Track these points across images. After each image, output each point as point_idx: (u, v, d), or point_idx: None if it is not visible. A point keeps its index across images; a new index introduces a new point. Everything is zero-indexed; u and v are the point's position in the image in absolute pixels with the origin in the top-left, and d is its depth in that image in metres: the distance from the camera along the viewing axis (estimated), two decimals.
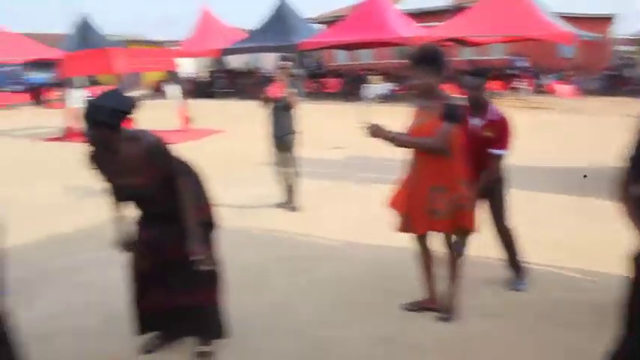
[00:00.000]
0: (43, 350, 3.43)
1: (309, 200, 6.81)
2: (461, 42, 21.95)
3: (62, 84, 16.37)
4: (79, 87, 15.10)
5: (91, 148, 3.01)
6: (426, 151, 3.47)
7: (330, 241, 5.47)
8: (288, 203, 6.69)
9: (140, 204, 3.24)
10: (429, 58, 3.41)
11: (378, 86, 21.16)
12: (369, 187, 7.58)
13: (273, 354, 3.46)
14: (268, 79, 6.56)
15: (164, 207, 3.13)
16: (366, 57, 28.66)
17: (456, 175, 3.51)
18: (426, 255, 3.83)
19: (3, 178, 9.20)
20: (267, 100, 6.36)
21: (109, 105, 2.82)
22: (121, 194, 3.20)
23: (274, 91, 6.30)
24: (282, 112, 6.37)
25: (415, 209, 3.55)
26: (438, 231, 3.64)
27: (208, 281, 3.27)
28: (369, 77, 22.38)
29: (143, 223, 3.29)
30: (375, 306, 4.02)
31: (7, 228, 2.88)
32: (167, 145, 3.07)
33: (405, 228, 3.67)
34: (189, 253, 3.03)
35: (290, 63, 6.47)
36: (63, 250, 5.51)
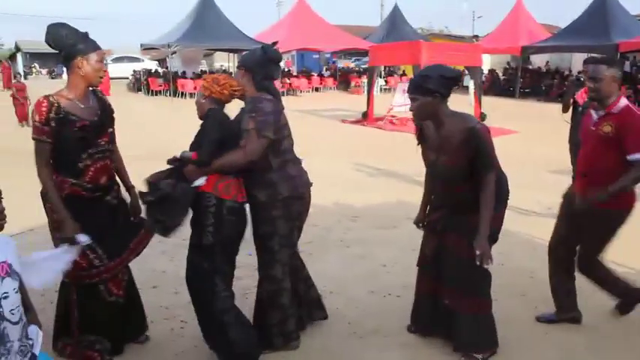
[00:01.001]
0: None
1: None
2: None
3: (367, 72, 17.58)
4: (380, 77, 16.02)
5: (420, 121, 3.10)
6: None
7: (616, 267, 4.68)
8: None
9: (442, 185, 3.18)
10: None
11: None
12: None
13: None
14: (578, 82, 5.94)
15: (461, 195, 3.02)
16: None
17: None
18: None
19: (309, 150, 10.29)
20: (569, 103, 5.86)
21: (435, 73, 2.89)
22: (432, 170, 3.22)
23: (581, 95, 5.70)
24: None
25: None
26: None
27: (479, 290, 3.11)
28: None
29: (437, 205, 3.28)
30: None
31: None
32: (488, 135, 2.96)
33: None
34: (473, 248, 2.89)
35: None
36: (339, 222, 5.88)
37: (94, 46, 2.94)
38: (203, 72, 28.00)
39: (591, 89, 3.31)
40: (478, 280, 3.06)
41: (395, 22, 30.53)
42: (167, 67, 26.18)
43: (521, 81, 25.32)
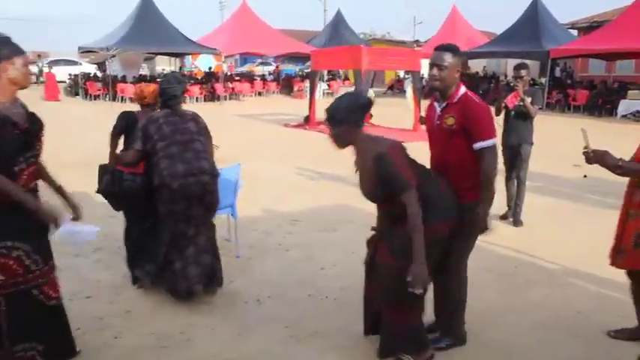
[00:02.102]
0: None
1: (534, 217, 6.25)
2: None
3: (308, 76, 17.68)
4: (322, 81, 16.18)
5: (340, 148, 3.14)
6: None
7: (545, 264, 4.91)
8: (511, 217, 6.26)
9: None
10: None
11: (634, 102, 18.61)
12: (603, 213, 6.67)
13: None
14: (508, 87, 6.20)
15: (391, 210, 3.06)
16: (625, 68, 25.47)
17: None
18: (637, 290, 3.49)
19: (251, 155, 10.27)
20: (500, 107, 6.10)
21: (343, 104, 3.02)
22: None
23: (511, 99, 5.95)
24: (517, 122, 6.04)
25: (625, 240, 3.32)
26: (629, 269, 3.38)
27: (400, 300, 3.04)
28: (629, 91, 19.74)
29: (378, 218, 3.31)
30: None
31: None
32: (398, 157, 2.94)
33: (614, 261, 3.43)
34: (395, 258, 2.97)
35: (524, 71, 6.03)
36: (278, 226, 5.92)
37: (18, 50, 2.87)
38: (143, 76, 27.48)
39: (435, 77, 3.14)
40: (399, 291, 2.93)
41: (337, 26, 30.89)
42: (106, 71, 25.48)
43: (499, 88, 26.06)
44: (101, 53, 24.36)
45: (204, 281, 4.02)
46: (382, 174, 2.88)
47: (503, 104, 6.08)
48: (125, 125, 4.40)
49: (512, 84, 6.11)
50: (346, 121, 2.99)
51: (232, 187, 4.92)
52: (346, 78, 29.64)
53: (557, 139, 13.16)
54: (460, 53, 3.18)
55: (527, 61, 24.37)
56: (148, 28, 22.92)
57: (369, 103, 3.08)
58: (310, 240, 5.53)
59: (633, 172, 3.11)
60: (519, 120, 6.02)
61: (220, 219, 5.09)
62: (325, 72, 27.72)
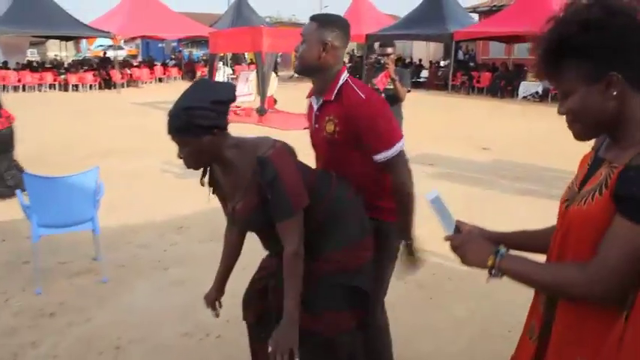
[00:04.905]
0: None
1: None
2: None
3: (209, 61, 16.62)
4: (225, 64, 15.20)
5: (196, 169, 2.10)
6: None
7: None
8: None
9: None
10: None
11: (532, 84, 19.17)
12: (515, 200, 6.33)
13: None
14: (378, 65, 5.47)
15: (274, 246, 2.17)
16: (523, 51, 26.25)
17: None
18: None
19: (142, 148, 9.18)
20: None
21: (204, 100, 1.94)
22: (234, 222, 2.31)
23: (381, 80, 5.29)
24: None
25: None
26: None
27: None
28: (529, 74, 20.28)
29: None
30: None
31: None
32: (289, 163, 2.04)
33: None
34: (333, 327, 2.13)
35: (391, 49, 5.44)
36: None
37: None
38: (30, 62, 25.04)
39: (296, 56, 2.26)
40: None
41: (241, 10, 29.64)
42: None
43: (366, 68, 25.85)
44: None
45: None
46: (263, 184, 1.98)
47: (371, 86, 5.42)
48: None
49: (382, 61, 5.40)
50: (213, 126, 1.95)
51: (91, 197, 3.98)
52: (252, 62, 28.54)
53: (464, 122, 13.02)
54: (338, 25, 2.25)
55: (432, 44, 24.32)
56: (30, 9, 20.68)
57: (233, 94, 2.06)
58: (196, 253, 4.68)
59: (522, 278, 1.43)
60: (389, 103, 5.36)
61: (84, 235, 4.15)
62: (229, 55, 26.62)
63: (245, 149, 2.04)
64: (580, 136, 1.33)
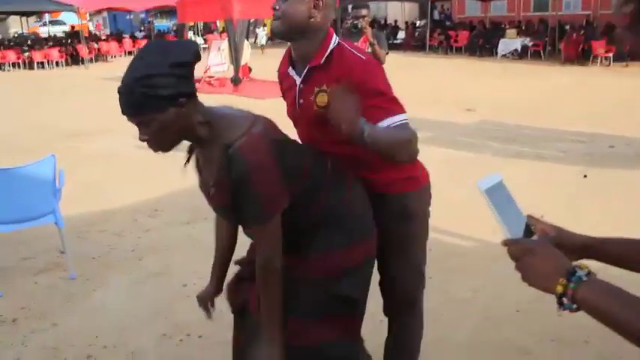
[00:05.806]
0: None
1: (433, 176, 5.50)
2: None
3: (178, 31, 15.97)
4: (196, 34, 14.63)
5: (165, 151, 1.72)
6: None
7: (460, 241, 4.15)
8: None
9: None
10: None
11: (511, 41, 18.88)
12: (507, 163, 6.07)
13: None
14: (355, 29, 5.09)
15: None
16: (499, 8, 25.85)
17: None
18: None
19: (111, 127, 8.70)
20: None
21: (162, 66, 1.53)
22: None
23: (360, 45, 4.99)
24: None
25: None
26: None
27: None
28: (507, 31, 19.97)
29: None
30: None
31: None
32: (267, 158, 1.64)
33: None
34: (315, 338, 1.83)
35: (365, 10, 5.16)
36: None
37: None
38: None
39: (274, 16, 1.79)
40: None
41: None
42: None
43: (342, 32, 25.24)
44: None
45: None
46: (234, 181, 1.62)
47: None
48: None
49: (359, 25, 5.03)
50: (178, 94, 1.56)
51: (49, 188, 3.59)
52: (223, 31, 27.74)
53: (445, 83, 12.71)
54: None
55: (407, 3, 23.75)
56: None
57: (188, 49, 1.60)
58: (172, 238, 4.34)
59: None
60: None
61: (49, 226, 3.77)
62: (201, 24, 25.82)
63: (218, 129, 1.65)
64: None
